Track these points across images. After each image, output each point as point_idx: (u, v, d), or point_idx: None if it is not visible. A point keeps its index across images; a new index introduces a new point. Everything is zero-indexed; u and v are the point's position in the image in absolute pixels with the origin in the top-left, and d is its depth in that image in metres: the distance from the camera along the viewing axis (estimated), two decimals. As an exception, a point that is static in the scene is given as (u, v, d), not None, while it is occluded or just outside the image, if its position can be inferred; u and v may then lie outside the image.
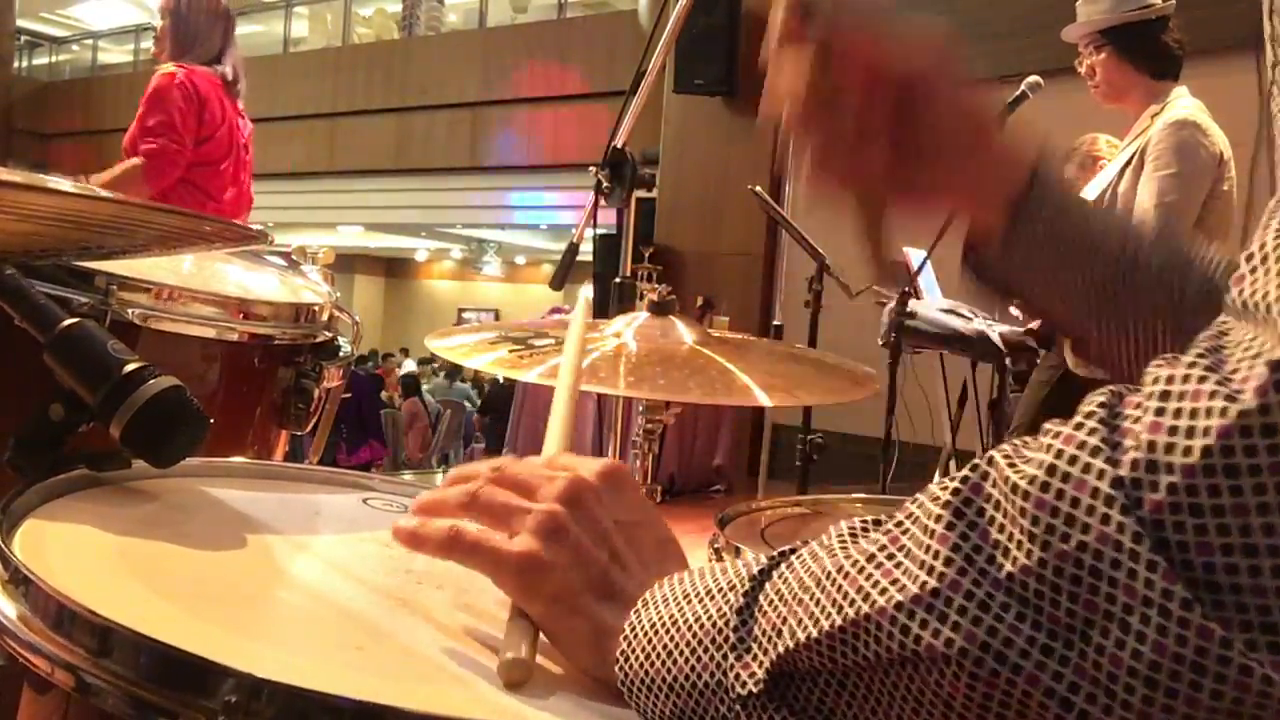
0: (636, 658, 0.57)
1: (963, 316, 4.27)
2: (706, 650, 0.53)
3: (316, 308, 1.54)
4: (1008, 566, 0.44)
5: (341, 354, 1.56)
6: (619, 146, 2.07)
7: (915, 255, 3.79)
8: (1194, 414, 0.41)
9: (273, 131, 14.92)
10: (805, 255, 4.10)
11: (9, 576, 0.60)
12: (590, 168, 2.10)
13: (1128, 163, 3.02)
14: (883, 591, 0.47)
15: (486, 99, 12.80)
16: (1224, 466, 0.40)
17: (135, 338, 1.25)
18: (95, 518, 0.74)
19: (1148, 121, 3.02)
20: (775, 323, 5.34)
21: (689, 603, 0.56)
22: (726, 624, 0.53)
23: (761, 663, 0.51)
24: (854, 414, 3.80)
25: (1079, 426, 0.45)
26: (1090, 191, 3.27)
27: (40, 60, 19.48)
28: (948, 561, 0.46)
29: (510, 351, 1.16)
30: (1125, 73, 3.03)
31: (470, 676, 0.60)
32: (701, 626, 0.54)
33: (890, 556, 0.48)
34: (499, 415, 9.50)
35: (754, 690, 0.51)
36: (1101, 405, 0.45)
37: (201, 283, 1.44)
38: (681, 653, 0.54)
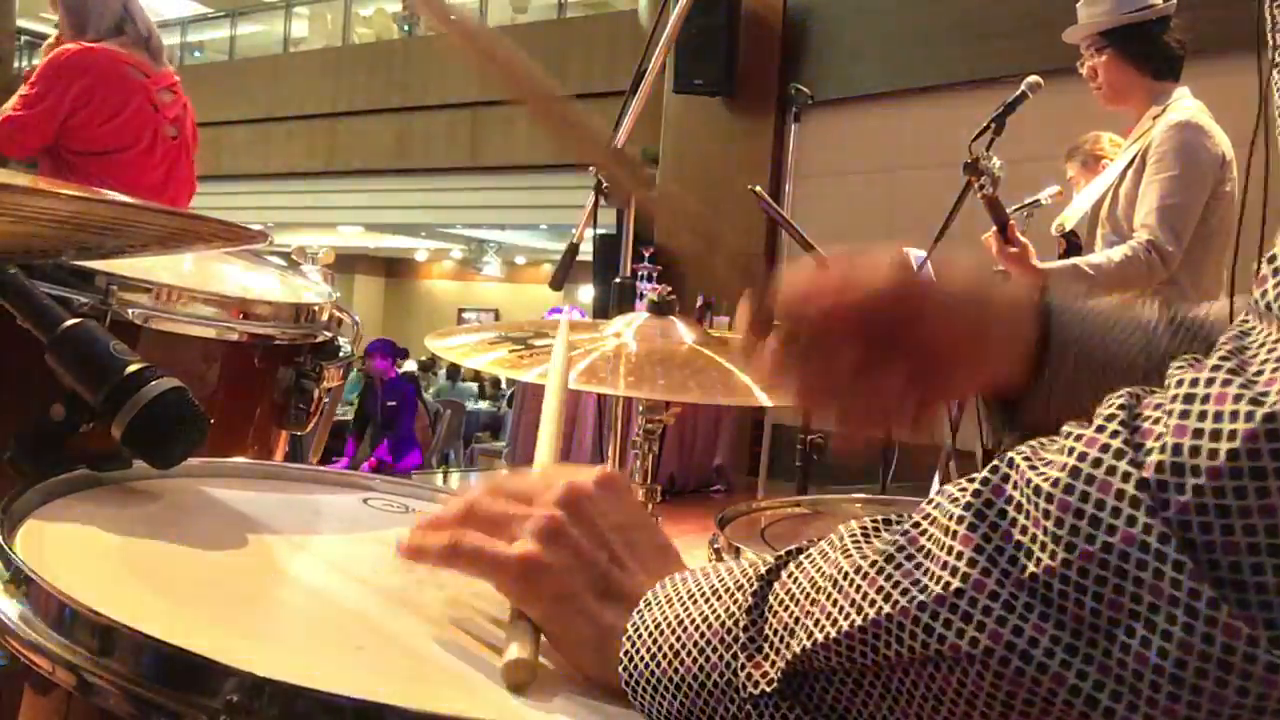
0: (642, 657, 0.57)
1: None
2: (715, 650, 0.54)
3: (316, 308, 1.54)
4: (1031, 567, 0.44)
5: (341, 354, 1.56)
6: (619, 147, 2.07)
7: (915, 255, 3.78)
8: (1218, 416, 0.42)
9: (273, 131, 14.95)
10: (805, 255, 4.10)
11: (10, 576, 0.60)
12: (590, 168, 2.10)
13: (1129, 164, 3.02)
14: (904, 592, 0.47)
15: (486, 99, 12.79)
16: (1250, 469, 0.40)
17: (135, 338, 1.25)
18: (96, 518, 0.74)
19: (1149, 123, 3.02)
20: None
21: (695, 603, 0.56)
22: (736, 624, 0.54)
23: (775, 663, 0.51)
24: (854, 414, 3.79)
25: (1100, 429, 0.45)
26: (1092, 191, 3.27)
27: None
28: (971, 562, 0.46)
29: (510, 351, 1.16)
30: (1127, 74, 3.03)
31: (472, 676, 0.60)
32: (709, 626, 0.55)
33: (910, 557, 0.49)
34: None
35: (766, 690, 0.51)
36: (1121, 408, 0.46)
37: (201, 283, 1.44)
38: (689, 652, 0.55)
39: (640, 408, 1.34)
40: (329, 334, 1.55)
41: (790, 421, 4.55)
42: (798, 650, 0.50)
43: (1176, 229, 2.83)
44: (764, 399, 1.11)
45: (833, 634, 0.49)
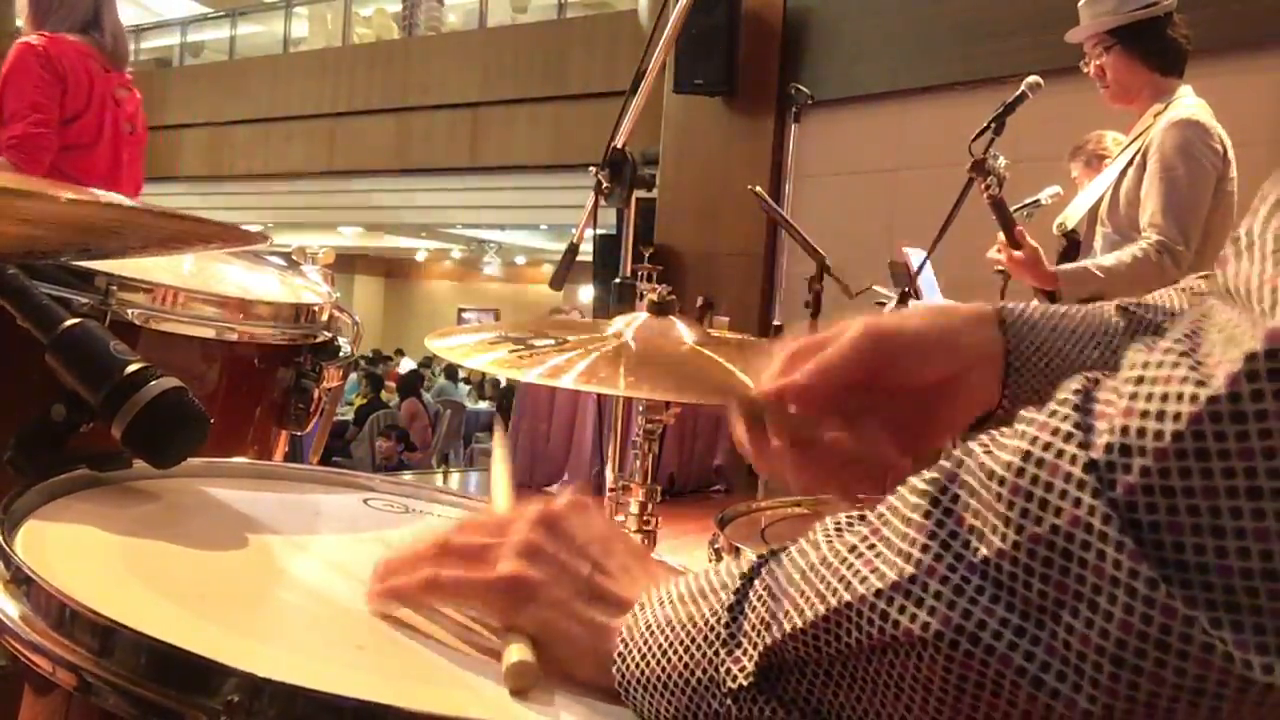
0: (633, 658, 0.57)
1: (963, 316, 4.26)
2: (699, 648, 0.55)
3: (316, 308, 1.54)
4: (982, 550, 0.45)
5: (341, 354, 1.57)
6: (619, 146, 2.07)
7: (915, 255, 3.78)
8: (1165, 398, 0.42)
9: (273, 131, 14.96)
10: (805, 255, 4.10)
11: (11, 576, 0.60)
12: (590, 168, 2.10)
13: (1130, 162, 3.01)
14: (863, 580, 0.48)
15: (486, 99, 12.80)
16: (1195, 450, 0.41)
17: (135, 338, 1.25)
18: (96, 518, 0.74)
19: (1150, 120, 3.01)
20: (775, 323, 5.34)
21: (682, 603, 0.57)
22: (718, 621, 0.54)
23: (751, 656, 0.52)
24: (854, 414, 3.78)
25: (1053, 414, 0.46)
26: (1093, 190, 3.27)
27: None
28: (924, 548, 0.47)
29: (510, 351, 1.16)
30: (1134, 71, 3.02)
31: (471, 676, 0.60)
32: (695, 625, 0.55)
33: (871, 546, 0.50)
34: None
35: (744, 683, 0.52)
36: (1075, 392, 0.46)
37: (202, 283, 1.44)
38: (676, 651, 0.55)
39: (640, 408, 1.34)
40: (329, 334, 1.56)
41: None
42: (769, 642, 0.51)
43: (1184, 228, 2.82)
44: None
45: (799, 624, 0.50)
